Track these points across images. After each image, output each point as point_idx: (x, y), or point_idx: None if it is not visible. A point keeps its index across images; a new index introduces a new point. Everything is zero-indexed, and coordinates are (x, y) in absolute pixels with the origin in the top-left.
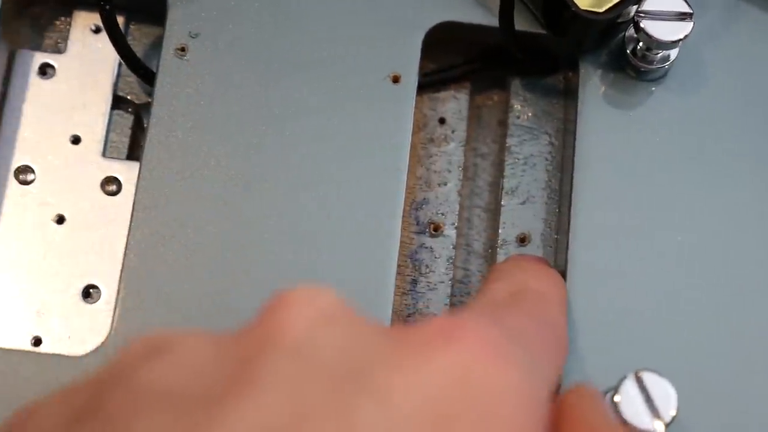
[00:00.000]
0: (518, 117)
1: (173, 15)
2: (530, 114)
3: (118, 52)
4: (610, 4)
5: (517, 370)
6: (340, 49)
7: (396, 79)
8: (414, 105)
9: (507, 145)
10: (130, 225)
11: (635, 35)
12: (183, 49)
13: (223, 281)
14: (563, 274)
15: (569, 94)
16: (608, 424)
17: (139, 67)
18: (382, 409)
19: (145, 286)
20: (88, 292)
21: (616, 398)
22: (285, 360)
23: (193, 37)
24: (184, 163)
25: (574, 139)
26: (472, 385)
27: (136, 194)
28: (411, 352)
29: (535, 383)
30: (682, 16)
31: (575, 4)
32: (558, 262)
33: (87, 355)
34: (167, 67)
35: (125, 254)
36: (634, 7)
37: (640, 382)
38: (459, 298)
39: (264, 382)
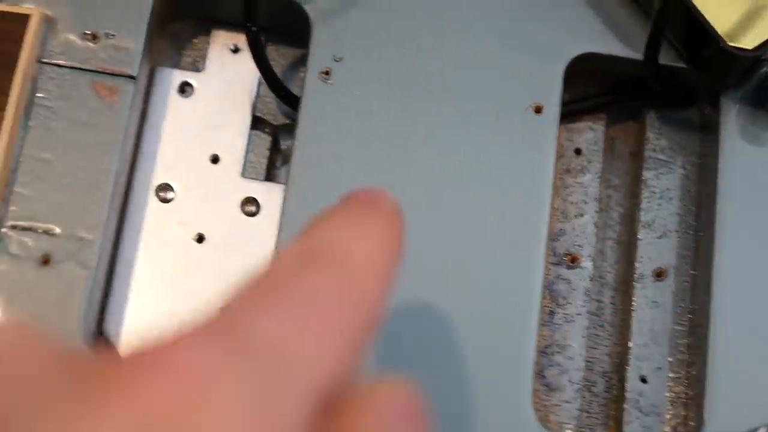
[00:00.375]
0: (654, 150)
1: (318, 38)
2: (666, 147)
3: (262, 74)
4: (760, 41)
5: (229, 405)
6: (482, 78)
7: (538, 110)
8: (557, 135)
9: (643, 177)
10: (276, 249)
11: None
12: (327, 73)
13: None
14: (705, 311)
15: (706, 128)
16: None
17: (281, 89)
18: None
19: None
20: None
21: None
22: None
23: (337, 61)
24: (329, 186)
25: (716, 174)
26: None
27: (281, 217)
28: (87, 397)
29: (265, 410)
30: None
31: (723, 40)
32: (697, 297)
33: None
34: (312, 91)
35: None
36: None
37: None
38: (593, 330)
39: None
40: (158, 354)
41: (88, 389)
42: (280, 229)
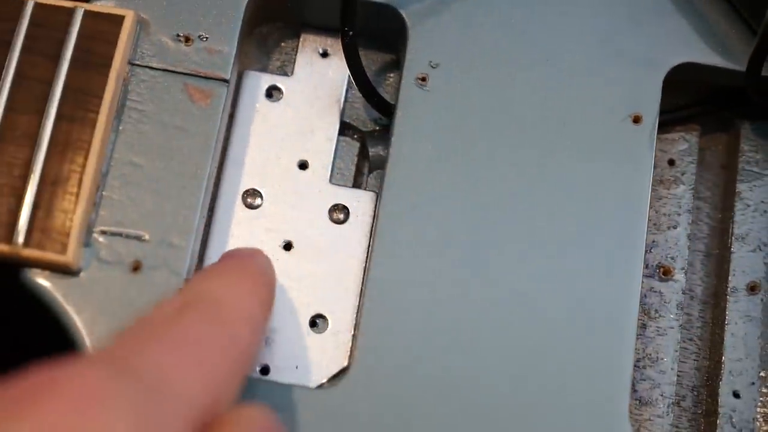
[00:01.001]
0: (748, 162)
1: (414, 44)
2: (760, 159)
3: (355, 80)
4: None
5: (116, 417)
6: (580, 87)
7: (637, 119)
8: (654, 146)
9: (737, 190)
10: (370, 256)
11: None
12: (423, 79)
13: (459, 317)
14: None
15: None
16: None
17: (373, 95)
18: None
19: (384, 319)
20: (314, 322)
21: None
22: None
23: (433, 67)
24: (424, 195)
25: None
26: None
27: (376, 226)
28: None
29: (149, 425)
30: None
31: None
32: None
33: (323, 387)
34: (407, 97)
35: (365, 286)
36: None
37: None
38: (682, 344)
39: None
40: (48, 374)
41: None
42: (374, 238)
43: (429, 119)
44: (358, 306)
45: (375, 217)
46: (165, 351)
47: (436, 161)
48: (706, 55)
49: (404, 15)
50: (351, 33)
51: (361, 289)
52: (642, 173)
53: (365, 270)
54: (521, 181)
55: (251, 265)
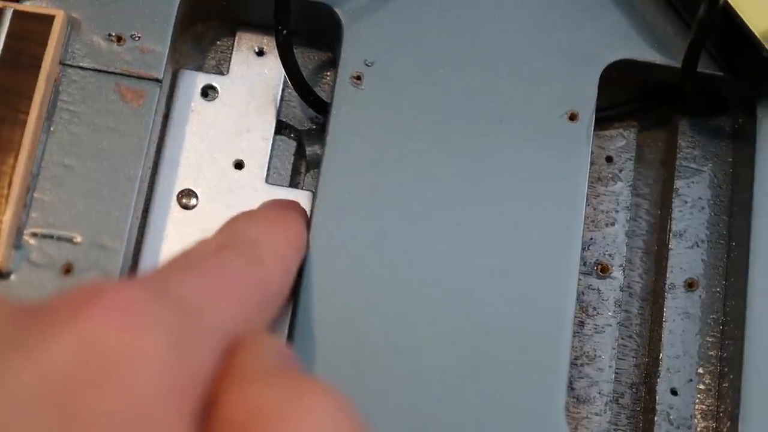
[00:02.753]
0: (685, 158)
1: (349, 42)
2: (697, 155)
3: (290, 79)
4: None
5: (152, 332)
6: (516, 85)
7: (573, 117)
8: (591, 143)
9: (675, 186)
10: (306, 256)
11: None
12: (358, 78)
13: (395, 316)
14: (739, 322)
15: (739, 137)
16: (264, 369)
17: (309, 93)
18: None
19: (321, 317)
20: None
21: None
22: None
23: (368, 66)
24: (359, 193)
25: (752, 183)
26: (96, 357)
27: (311, 225)
28: (36, 328)
29: (184, 344)
30: None
31: (766, 49)
32: (730, 308)
33: None
34: (342, 96)
35: (301, 285)
36: None
37: None
38: (620, 341)
39: None
40: (91, 291)
41: (34, 323)
42: (309, 237)
43: (364, 118)
44: (293, 308)
45: (310, 216)
46: (202, 281)
47: (372, 160)
48: (642, 52)
49: (339, 13)
50: (285, 31)
51: (296, 290)
52: (578, 170)
53: (301, 270)
54: (457, 178)
55: (288, 214)
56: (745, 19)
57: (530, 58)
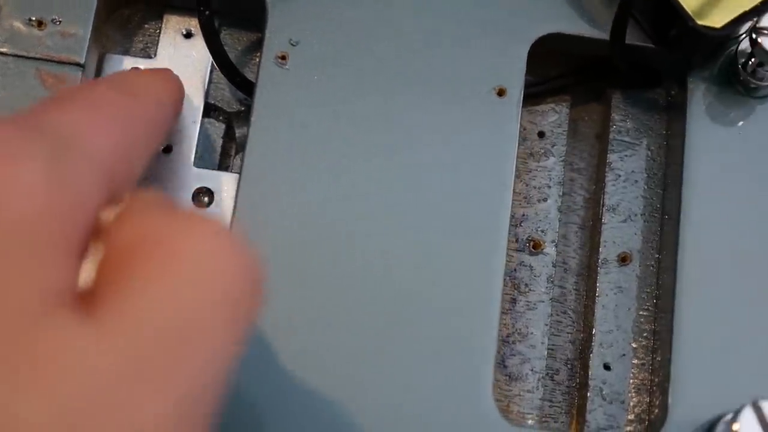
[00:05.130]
0: (619, 132)
1: (273, 22)
2: (631, 129)
3: (215, 60)
4: (728, 20)
5: (30, 161)
6: (444, 61)
7: (501, 92)
8: (519, 119)
9: (608, 160)
10: None
11: (748, 50)
12: (283, 58)
13: (323, 300)
14: (669, 296)
15: (672, 109)
16: (151, 205)
17: (235, 75)
18: None
19: None
20: None
21: (735, 426)
22: None
23: (293, 45)
24: (285, 174)
25: (682, 156)
26: None
27: (235, 208)
28: None
29: (62, 169)
30: None
31: (692, 18)
32: (662, 282)
33: None
34: (267, 76)
35: None
36: (749, 22)
37: (758, 411)
38: (556, 317)
39: None
40: None
41: None
42: (234, 219)
43: (289, 98)
44: None
45: (235, 197)
46: (76, 113)
47: (298, 139)
48: (571, 25)
49: None
50: (207, 12)
51: None
52: (507, 146)
53: None
54: (384, 157)
55: (165, 71)
56: None
57: (457, 34)
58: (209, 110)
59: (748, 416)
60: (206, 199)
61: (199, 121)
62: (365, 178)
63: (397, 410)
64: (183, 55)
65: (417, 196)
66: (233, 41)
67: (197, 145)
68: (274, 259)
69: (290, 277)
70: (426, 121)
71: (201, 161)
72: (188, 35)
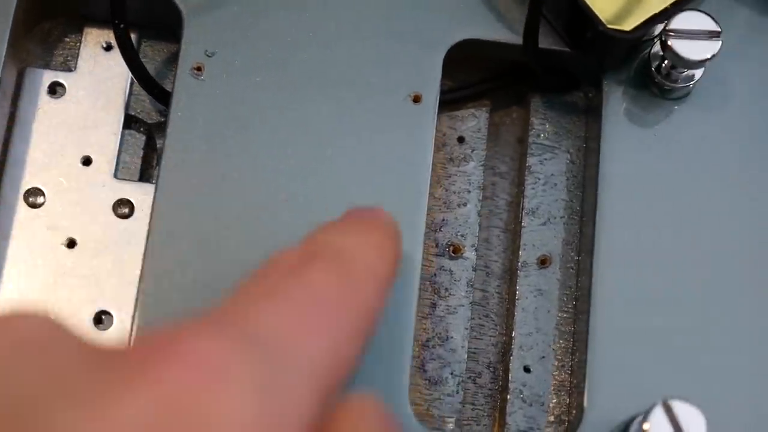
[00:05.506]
0: (538, 135)
1: (189, 33)
2: (550, 132)
3: (132, 72)
4: (638, 23)
5: (239, 390)
6: (359, 69)
7: (417, 99)
8: (435, 125)
9: (528, 164)
10: (146, 250)
11: (661, 53)
12: (199, 69)
13: None
14: (586, 297)
15: (591, 112)
16: None
17: (153, 86)
18: None
19: (162, 312)
20: (100, 318)
21: (645, 426)
22: None
23: (209, 56)
24: (201, 185)
25: (598, 157)
26: (175, 420)
27: (151, 218)
28: (106, 385)
29: (273, 397)
30: (710, 35)
31: (602, 22)
32: (581, 284)
33: None
34: (183, 87)
35: (141, 280)
36: (660, 25)
37: (669, 410)
38: (477, 320)
39: None
40: (169, 342)
41: (110, 376)
42: (150, 230)
43: (205, 108)
44: (135, 301)
45: (151, 209)
46: (289, 312)
47: (213, 150)
48: (487, 31)
49: (179, 5)
50: (122, 25)
51: (138, 285)
52: (423, 152)
53: (141, 264)
54: (300, 167)
55: (378, 220)
56: None
57: (374, 41)
58: (130, 122)
59: (658, 416)
60: (126, 210)
61: (120, 133)
62: (280, 187)
63: None
64: (103, 67)
65: (333, 203)
66: (153, 53)
67: (117, 157)
68: (190, 267)
69: (206, 285)
70: (342, 129)
71: (121, 173)
72: (108, 48)
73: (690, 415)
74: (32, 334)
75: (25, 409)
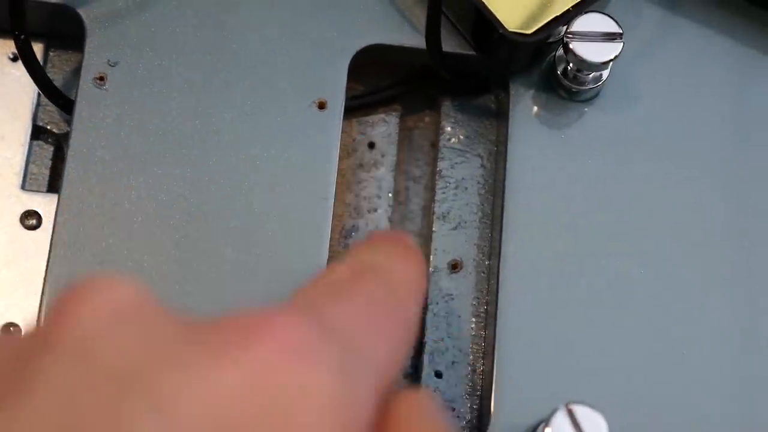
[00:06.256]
0: (449, 139)
1: (91, 43)
2: (462, 136)
3: (36, 82)
4: (538, 26)
5: (325, 371)
6: (264, 76)
7: (322, 105)
8: (340, 131)
9: (438, 168)
10: (48, 262)
11: (565, 56)
12: (102, 78)
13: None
14: (494, 302)
15: (501, 115)
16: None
17: (58, 96)
18: (158, 420)
19: None
20: (8, 330)
21: (548, 431)
22: (63, 362)
23: (112, 66)
24: (105, 195)
25: (505, 161)
26: (268, 391)
27: (54, 229)
28: (205, 353)
29: (350, 383)
30: (611, 37)
31: (503, 26)
32: (492, 288)
33: None
34: (85, 97)
35: (44, 292)
36: (564, 28)
37: (571, 415)
38: None
39: (37, 386)
40: (264, 322)
41: (209, 347)
42: (53, 240)
43: (108, 118)
44: (38, 313)
45: (54, 220)
46: (355, 313)
47: (117, 159)
48: (391, 36)
49: (82, 15)
50: (23, 36)
51: (40, 296)
52: (328, 159)
53: (44, 277)
54: (204, 175)
55: (409, 246)
56: None
57: (278, 48)
58: (38, 132)
59: (560, 420)
60: (34, 221)
61: (27, 144)
62: (184, 194)
63: None
64: (10, 78)
65: (238, 210)
66: (61, 62)
67: (25, 168)
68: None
69: None
70: (247, 136)
71: (29, 184)
72: (15, 58)
73: (591, 419)
74: (129, 302)
75: (130, 373)
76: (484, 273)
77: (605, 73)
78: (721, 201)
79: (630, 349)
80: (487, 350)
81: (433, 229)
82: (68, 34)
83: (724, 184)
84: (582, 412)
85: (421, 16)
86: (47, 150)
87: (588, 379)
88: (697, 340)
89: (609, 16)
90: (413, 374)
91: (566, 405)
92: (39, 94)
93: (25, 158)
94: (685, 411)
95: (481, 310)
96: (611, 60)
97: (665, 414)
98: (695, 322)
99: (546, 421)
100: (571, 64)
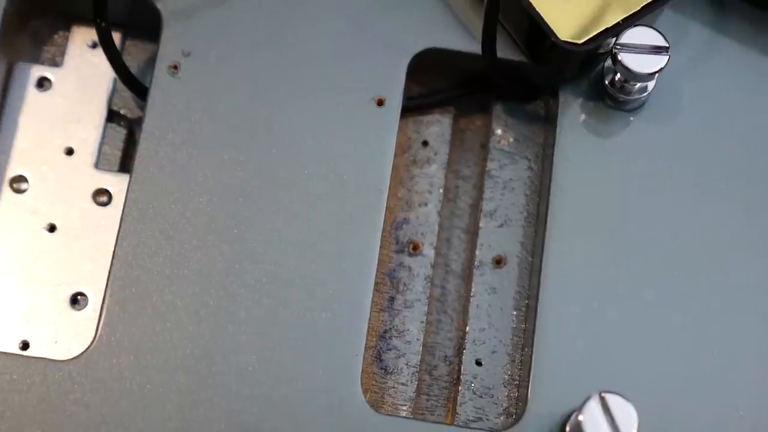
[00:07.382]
0: (499, 141)
1: (167, 33)
2: (511, 139)
3: (113, 68)
4: (590, 36)
5: None
6: (328, 71)
7: (381, 102)
8: (397, 128)
9: (487, 168)
10: (118, 235)
11: (613, 66)
12: (176, 67)
13: (206, 293)
14: (535, 296)
15: (549, 121)
16: None
17: (133, 82)
18: None
19: (130, 295)
20: (76, 299)
21: (580, 417)
22: None
23: (185, 56)
24: (173, 177)
25: (551, 165)
26: None
27: (124, 206)
28: None
29: None
30: (658, 50)
31: (555, 35)
32: (533, 284)
33: (72, 360)
34: (159, 84)
35: (112, 264)
36: (613, 40)
37: (603, 403)
38: (435, 315)
39: None
40: None
41: None
42: (123, 218)
43: (180, 105)
44: (106, 283)
45: (125, 199)
46: None
47: (187, 144)
48: (449, 41)
49: (159, 6)
50: (104, 24)
51: (109, 269)
52: (385, 153)
53: (113, 250)
54: (269, 161)
55: None
56: (535, 7)
57: (343, 45)
58: (112, 116)
59: (592, 408)
60: (105, 199)
61: (102, 126)
62: (249, 182)
63: (267, 399)
64: (89, 64)
65: (298, 198)
66: (137, 51)
67: (99, 149)
68: (159, 254)
69: (173, 270)
70: (308, 126)
71: (102, 164)
72: (95, 45)
73: (623, 408)
74: None
75: None
76: (526, 269)
77: (651, 85)
78: (761, 212)
79: (663, 347)
80: (526, 342)
81: (480, 225)
82: (145, 25)
83: (765, 196)
84: (614, 401)
85: (478, 23)
86: (120, 133)
87: (621, 374)
88: (727, 342)
89: (657, 30)
90: (457, 362)
91: (599, 393)
92: (115, 80)
93: (99, 140)
94: (711, 408)
95: (522, 304)
96: (657, 72)
97: (692, 407)
98: (727, 325)
99: (579, 408)
100: (618, 75)
